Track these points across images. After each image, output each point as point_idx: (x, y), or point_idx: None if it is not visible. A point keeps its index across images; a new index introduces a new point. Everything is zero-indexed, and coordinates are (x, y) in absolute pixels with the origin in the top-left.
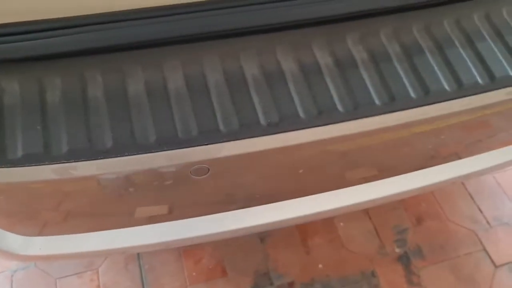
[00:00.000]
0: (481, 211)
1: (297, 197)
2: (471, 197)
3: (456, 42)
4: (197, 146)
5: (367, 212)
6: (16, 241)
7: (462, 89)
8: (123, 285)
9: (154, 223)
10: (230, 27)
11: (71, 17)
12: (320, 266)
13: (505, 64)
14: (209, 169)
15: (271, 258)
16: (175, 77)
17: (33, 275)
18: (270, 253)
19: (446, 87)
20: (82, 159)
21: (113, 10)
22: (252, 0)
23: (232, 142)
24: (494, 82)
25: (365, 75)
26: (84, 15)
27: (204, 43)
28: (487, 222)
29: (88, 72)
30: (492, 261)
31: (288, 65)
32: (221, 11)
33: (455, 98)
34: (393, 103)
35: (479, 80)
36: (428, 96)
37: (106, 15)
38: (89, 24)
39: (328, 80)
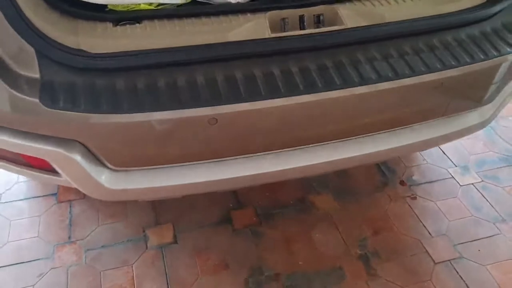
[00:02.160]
0: (424, 226)
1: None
2: (417, 216)
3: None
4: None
5: (336, 226)
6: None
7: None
8: (151, 276)
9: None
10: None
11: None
12: (300, 263)
13: None
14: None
15: (263, 257)
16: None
17: (83, 269)
18: (262, 254)
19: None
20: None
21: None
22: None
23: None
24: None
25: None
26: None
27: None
28: (429, 233)
29: (164, 73)
30: (432, 259)
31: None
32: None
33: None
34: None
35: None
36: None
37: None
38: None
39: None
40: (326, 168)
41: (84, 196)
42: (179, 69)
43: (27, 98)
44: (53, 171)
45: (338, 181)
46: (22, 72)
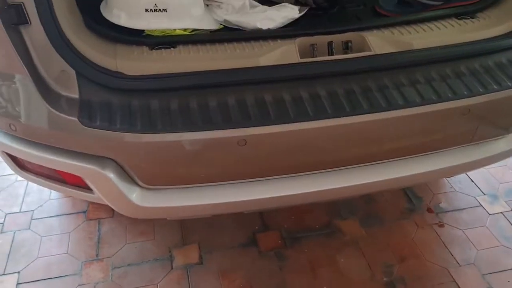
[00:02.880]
0: (452, 255)
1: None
2: (445, 245)
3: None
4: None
5: (361, 252)
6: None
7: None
8: None
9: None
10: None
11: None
12: (324, 287)
13: None
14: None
15: (288, 280)
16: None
17: (109, 286)
18: (286, 277)
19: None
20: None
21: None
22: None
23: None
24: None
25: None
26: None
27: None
28: (457, 262)
29: (196, 95)
30: None
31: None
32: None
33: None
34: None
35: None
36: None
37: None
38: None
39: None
40: (353, 191)
41: (112, 215)
42: (211, 92)
43: (66, 116)
44: (87, 188)
45: (365, 206)
46: (63, 92)
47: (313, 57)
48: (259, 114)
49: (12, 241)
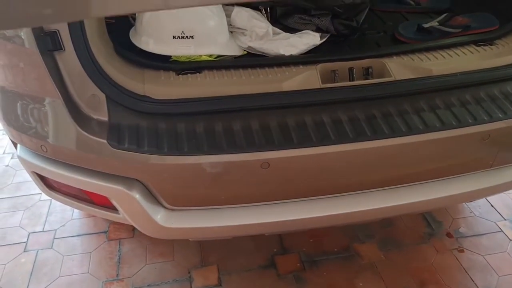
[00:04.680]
0: (473, 281)
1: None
2: (465, 270)
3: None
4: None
5: (380, 276)
6: (164, 215)
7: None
8: None
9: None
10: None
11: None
12: None
13: None
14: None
15: None
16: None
17: None
18: None
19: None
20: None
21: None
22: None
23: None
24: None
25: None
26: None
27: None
28: None
29: (222, 119)
30: None
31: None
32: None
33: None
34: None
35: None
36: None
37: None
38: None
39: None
40: (373, 215)
41: (133, 235)
42: (236, 116)
43: (96, 138)
44: (112, 208)
45: (383, 230)
46: (93, 115)
47: (334, 82)
48: (282, 138)
49: (35, 260)
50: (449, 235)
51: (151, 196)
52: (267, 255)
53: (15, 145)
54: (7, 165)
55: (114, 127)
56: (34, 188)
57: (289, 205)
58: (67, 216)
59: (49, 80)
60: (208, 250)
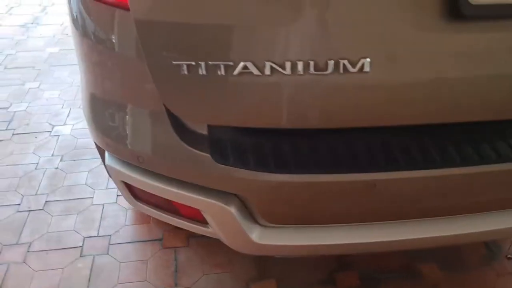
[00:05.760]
0: None
1: None
2: None
3: None
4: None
5: None
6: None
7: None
8: None
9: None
10: None
11: None
12: None
13: None
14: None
15: None
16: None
17: None
18: None
19: None
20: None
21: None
22: None
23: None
24: None
25: None
26: None
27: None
28: None
29: (330, 138)
30: None
31: None
32: None
33: None
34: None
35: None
36: None
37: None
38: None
39: None
40: (463, 239)
41: (187, 244)
42: (344, 136)
43: (199, 152)
44: (202, 221)
45: (444, 251)
46: (195, 129)
47: None
48: (389, 160)
49: (92, 266)
50: (509, 259)
51: (247, 211)
52: (326, 271)
53: (101, 154)
54: (57, 168)
55: (216, 142)
56: (85, 191)
57: (389, 225)
58: (120, 221)
59: (156, 92)
60: (267, 263)
